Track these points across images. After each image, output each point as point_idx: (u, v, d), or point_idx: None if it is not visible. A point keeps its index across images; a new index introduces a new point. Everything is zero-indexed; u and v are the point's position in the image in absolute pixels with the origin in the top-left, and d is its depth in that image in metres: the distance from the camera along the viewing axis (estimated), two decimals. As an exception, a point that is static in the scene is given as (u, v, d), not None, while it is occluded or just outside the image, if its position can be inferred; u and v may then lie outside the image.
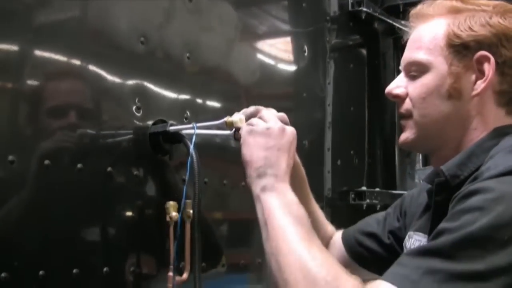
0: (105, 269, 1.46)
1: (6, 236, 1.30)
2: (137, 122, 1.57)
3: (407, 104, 1.35)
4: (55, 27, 1.42)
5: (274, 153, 1.33)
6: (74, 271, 1.39)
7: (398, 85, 1.37)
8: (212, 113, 1.76)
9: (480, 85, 1.27)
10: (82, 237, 1.44)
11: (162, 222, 1.50)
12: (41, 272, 1.32)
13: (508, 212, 1.04)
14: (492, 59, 1.26)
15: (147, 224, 1.58)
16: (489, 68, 1.26)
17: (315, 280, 1.09)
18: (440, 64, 1.30)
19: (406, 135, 1.37)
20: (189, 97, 1.75)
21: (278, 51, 2.20)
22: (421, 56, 1.32)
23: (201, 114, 1.75)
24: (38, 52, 1.37)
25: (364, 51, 2.70)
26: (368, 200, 2.46)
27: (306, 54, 2.30)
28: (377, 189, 2.57)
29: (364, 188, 2.51)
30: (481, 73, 1.28)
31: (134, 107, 1.56)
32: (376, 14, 2.59)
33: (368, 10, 2.53)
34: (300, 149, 2.17)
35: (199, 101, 1.79)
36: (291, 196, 1.29)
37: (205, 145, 1.63)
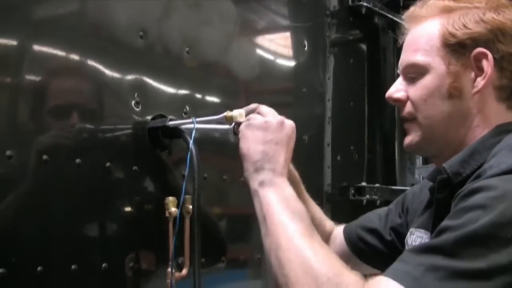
0: (104, 265, 1.46)
1: (4, 231, 1.29)
2: (136, 117, 1.56)
3: (408, 107, 1.34)
4: (53, 21, 1.41)
5: (272, 147, 1.32)
6: (73, 267, 1.38)
7: (398, 89, 1.36)
8: (211, 108, 1.75)
9: (480, 82, 1.27)
10: (81, 232, 1.43)
11: (161, 217, 1.50)
12: (39, 268, 1.32)
13: (511, 210, 1.03)
14: (490, 55, 1.26)
15: (146, 219, 1.58)
16: (487, 65, 1.26)
17: (317, 276, 1.08)
18: (438, 65, 1.29)
19: (411, 138, 1.36)
20: (189, 91, 1.75)
21: (277, 46, 2.19)
22: (418, 58, 1.32)
23: (201, 109, 1.74)
24: (36, 47, 1.37)
25: (364, 46, 2.69)
26: (368, 196, 2.45)
27: (306, 49, 2.30)
28: (377, 185, 2.56)
29: (364, 183, 2.50)
30: (479, 70, 1.27)
31: (133, 102, 1.56)
32: (376, 9, 2.58)
33: (368, 5, 2.52)
34: (299, 144, 2.16)
35: (199, 96, 1.78)
36: (289, 190, 1.28)
37: (205, 140, 1.62)
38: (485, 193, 1.07)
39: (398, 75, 1.39)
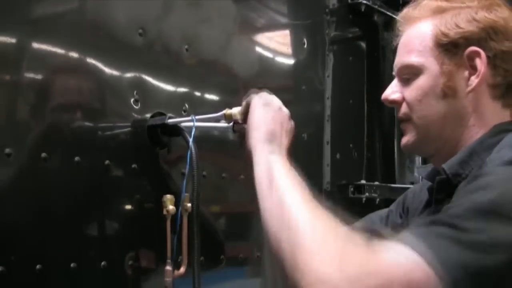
0: (102, 263, 1.46)
1: (2, 230, 1.29)
2: (135, 115, 1.56)
3: (404, 108, 1.35)
4: (52, 19, 1.41)
5: (279, 127, 1.33)
6: (72, 265, 1.38)
7: (393, 91, 1.37)
8: (210, 106, 1.75)
9: (474, 80, 1.27)
10: (80, 230, 1.43)
11: (160, 215, 1.49)
12: (38, 266, 1.31)
13: None
14: (483, 54, 1.26)
15: (145, 217, 1.58)
16: (480, 63, 1.27)
17: (323, 237, 1.04)
18: (431, 65, 1.30)
19: (407, 138, 1.37)
20: (188, 89, 1.75)
21: (277, 44, 2.19)
22: (412, 59, 1.33)
23: (200, 106, 1.74)
24: (35, 45, 1.37)
25: (363, 44, 2.68)
26: (367, 194, 2.45)
27: (305, 46, 2.29)
28: (376, 183, 2.56)
29: (363, 181, 2.50)
30: (473, 69, 1.28)
31: (132, 100, 1.56)
32: (376, 7, 2.58)
33: (367, 3, 2.52)
34: (299, 142, 2.17)
35: (198, 93, 1.78)
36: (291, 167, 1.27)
37: (204, 138, 1.62)
38: (487, 177, 1.08)
39: (393, 77, 1.40)
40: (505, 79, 1.29)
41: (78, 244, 1.41)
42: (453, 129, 1.31)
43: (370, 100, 2.65)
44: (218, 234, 1.83)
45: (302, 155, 2.18)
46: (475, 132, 1.29)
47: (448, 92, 1.29)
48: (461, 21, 1.29)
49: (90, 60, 1.47)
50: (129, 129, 1.54)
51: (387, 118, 2.69)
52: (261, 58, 2.09)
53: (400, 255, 0.99)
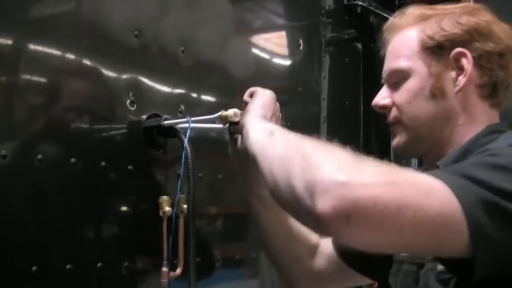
0: (98, 264, 1.46)
1: (-2, 231, 1.29)
2: (131, 116, 1.56)
3: (394, 112, 1.39)
4: (48, 21, 1.41)
5: (275, 121, 1.40)
6: (68, 266, 1.38)
7: (383, 96, 1.41)
8: (206, 107, 1.75)
9: (462, 80, 1.31)
10: (76, 232, 1.43)
11: (156, 217, 1.50)
12: (34, 268, 1.31)
13: None
14: (469, 54, 1.31)
15: (141, 219, 1.58)
16: (467, 63, 1.31)
17: (336, 159, 1.02)
18: (419, 68, 1.34)
19: (398, 139, 1.40)
20: (184, 91, 1.74)
21: (273, 45, 2.19)
22: (400, 63, 1.36)
23: (196, 108, 1.74)
24: (31, 46, 1.37)
25: (359, 45, 2.68)
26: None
27: (301, 48, 2.29)
28: (372, 184, 2.56)
29: (359, 182, 2.49)
30: (460, 69, 1.32)
31: (128, 101, 1.56)
32: (372, 8, 2.58)
33: (363, 4, 2.52)
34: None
35: (194, 95, 1.78)
36: None
37: (200, 140, 1.62)
38: (493, 150, 1.11)
39: (382, 84, 1.43)
40: (491, 79, 1.32)
41: (74, 246, 1.41)
42: (443, 129, 1.34)
43: (366, 101, 2.65)
44: (214, 235, 1.82)
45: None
46: (464, 131, 1.32)
47: (436, 93, 1.33)
48: (446, 25, 1.33)
49: (86, 62, 1.47)
50: (125, 130, 1.54)
51: (383, 119, 2.69)
52: (257, 59, 2.09)
53: (419, 175, 1.01)
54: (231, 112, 1.43)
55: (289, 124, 2.02)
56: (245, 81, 1.97)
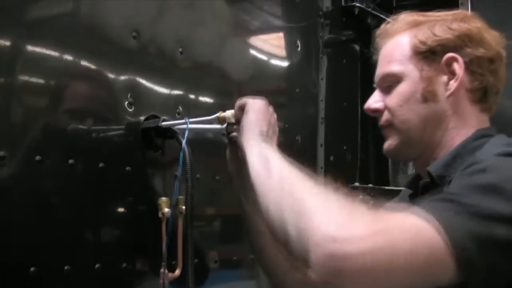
0: (97, 265, 1.46)
1: (-4, 232, 1.29)
2: (129, 118, 1.56)
3: (386, 115, 1.40)
4: (46, 22, 1.41)
5: (271, 130, 1.40)
6: (66, 267, 1.38)
7: (375, 100, 1.43)
8: (204, 109, 1.75)
9: (453, 84, 1.33)
10: (74, 233, 1.43)
11: (154, 218, 1.50)
12: (32, 269, 1.31)
13: (510, 172, 1.08)
14: (460, 59, 1.33)
15: (139, 220, 1.57)
16: (459, 67, 1.33)
17: (326, 205, 1.04)
18: (411, 72, 1.36)
19: (389, 142, 1.41)
20: (182, 92, 1.75)
21: (271, 47, 2.19)
22: (393, 68, 1.38)
23: (194, 109, 1.74)
24: (29, 47, 1.36)
25: (357, 47, 2.69)
26: (361, 196, 2.45)
27: (299, 49, 2.30)
28: (370, 185, 2.56)
29: (357, 184, 2.50)
30: (451, 74, 1.34)
31: (126, 103, 1.56)
32: (369, 10, 2.58)
33: (361, 6, 2.53)
34: (292, 145, 2.17)
35: (192, 96, 1.78)
36: None
37: (197, 141, 1.62)
38: (483, 163, 1.13)
39: (375, 89, 1.45)
40: (481, 84, 1.34)
41: (72, 247, 1.41)
42: (434, 132, 1.35)
43: (364, 102, 2.64)
44: (212, 236, 1.82)
45: (296, 158, 2.17)
46: (455, 134, 1.34)
47: (428, 97, 1.34)
48: (437, 31, 1.35)
49: (84, 63, 1.47)
50: (123, 131, 1.54)
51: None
52: (255, 60, 2.10)
53: (407, 219, 1.01)
54: (229, 113, 1.44)
55: (287, 125, 2.06)
56: (243, 82, 1.98)
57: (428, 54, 1.35)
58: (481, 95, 1.36)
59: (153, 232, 1.49)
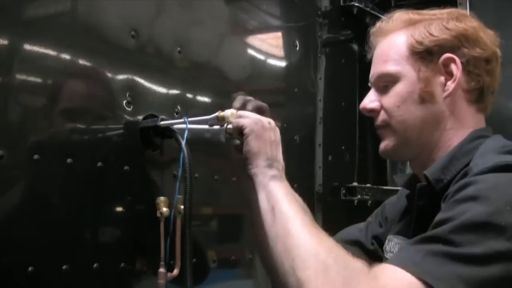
0: (95, 265, 1.45)
1: (-6, 232, 1.28)
2: (128, 117, 1.56)
3: (382, 115, 1.40)
4: (44, 21, 1.41)
5: (274, 147, 1.37)
6: (64, 267, 1.38)
7: (371, 100, 1.42)
8: (203, 108, 1.75)
9: (450, 85, 1.33)
10: (72, 232, 1.43)
11: (153, 217, 1.49)
12: (30, 269, 1.31)
13: (503, 199, 1.07)
14: (458, 59, 1.33)
15: (137, 219, 1.57)
16: (456, 68, 1.33)
17: (325, 259, 1.10)
18: (408, 72, 1.35)
19: (386, 143, 1.41)
20: (180, 91, 1.74)
21: (269, 46, 2.19)
22: (389, 68, 1.38)
23: (192, 108, 1.74)
24: (27, 47, 1.36)
25: (355, 46, 2.69)
26: (359, 196, 2.46)
27: (297, 49, 2.30)
28: (368, 185, 2.57)
29: (355, 183, 2.50)
30: (449, 75, 1.34)
31: (124, 102, 1.55)
32: (368, 9, 2.59)
33: (359, 5, 2.53)
34: (291, 144, 2.17)
35: (190, 95, 1.78)
36: (292, 189, 1.32)
37: (196, 140, 1.62)
38: (476, 186, 1.12)
39: (369, 88, 1.44)
40: (478, 84, 1.34)
41: (70, 246, 1.41)
42: (431, 133, 1.35)
43: (362, 102, 2.66)
44: (210, 236, 1.82)
45: (294, 157, 2.18)
46: (452, 135, 1.34)
47: (425, 97, 1.34)
48: (434, 30, 1.35)
49: (83, 62, 1.46)
50: (121, 131, 1.54)
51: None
52: (254, 60, 2.09)
53: (400, 280, 1.04)
54: (228, 112, 1.43)
55: (285, 125, 2.06)
56: (242, 82, 1.98)
57: (425, 55, 1.35)
58: (478, 96, 1.36)
59: (152, 231, 1.49)
